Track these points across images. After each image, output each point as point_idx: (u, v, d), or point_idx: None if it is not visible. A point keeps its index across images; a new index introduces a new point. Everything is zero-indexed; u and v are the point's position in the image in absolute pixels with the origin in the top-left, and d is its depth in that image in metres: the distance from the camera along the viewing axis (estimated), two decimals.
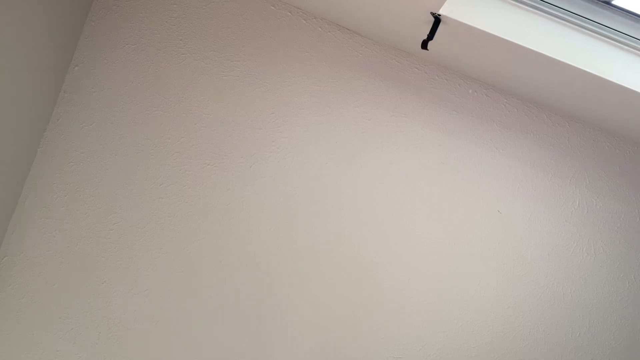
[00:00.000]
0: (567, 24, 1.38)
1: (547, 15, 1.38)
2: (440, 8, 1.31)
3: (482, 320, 1.60)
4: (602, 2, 1.39)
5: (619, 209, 1.66)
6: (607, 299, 1.64)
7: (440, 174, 1.61)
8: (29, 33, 1.33)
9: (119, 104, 1.53)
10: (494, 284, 1.61)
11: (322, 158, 1.58)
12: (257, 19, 1.59)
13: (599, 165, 1.66)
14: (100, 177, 1.52)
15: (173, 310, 1.51)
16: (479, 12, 1.34)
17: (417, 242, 1.60)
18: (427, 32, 1.39)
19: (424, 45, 1.42)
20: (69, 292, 1.49)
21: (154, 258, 1.52)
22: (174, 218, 1.53)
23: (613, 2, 1.39)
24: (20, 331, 1.47)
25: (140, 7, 1.56)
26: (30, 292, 1.48)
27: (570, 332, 1.62)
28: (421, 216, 1.61)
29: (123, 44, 1.55)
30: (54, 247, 1.49)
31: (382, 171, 1.60)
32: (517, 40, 1.35)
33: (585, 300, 1.63)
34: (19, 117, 1.40)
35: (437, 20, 1.35)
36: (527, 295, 1.61)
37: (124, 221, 1.51)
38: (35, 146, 1.50)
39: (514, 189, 1.63)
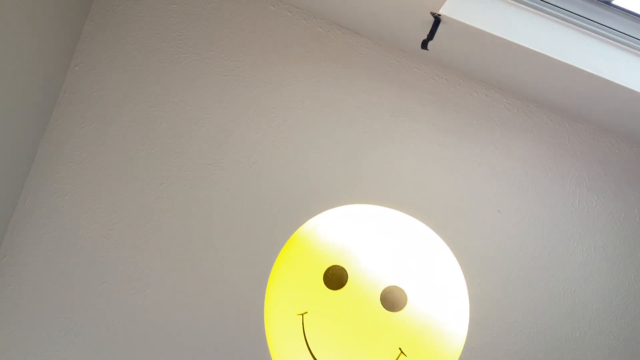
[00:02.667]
0: (567, 24, 1.38)
1: (547, 15, 1.38)
2: (440, 8, 1.31)
3: (482, 320, 1.60)
4: (602, 2, 1.39)
5: (619, 209, 1.66)
6: (607, 299, 1.64)
7: (440, 174, 1.61)
8: (29, 33, 1.33)
9: (119, 104, 1.54)
10: (494, 284, 1.61)
11: (322, 158, 1.58)
12: (257, 19, 1.59)
13: (599, 165, 1.66)
14: (100, 177, 1.52)
15: (173, 310, 1.51)
16: (479, 12, 1.34)
17: None
18: (427, 32, 1.39)
19: (424, 45, 1.42)
20: (69, 292, 1.49)
21: (153, 258, 1.52)
22: (174, 218, 1.53)
23: (613, 2, 1.39)
24: (20, 331, 1.47)
25: (140, 7, 1.56)
26: (30, 292, 1.48)
27: (570, 332, 1.62)
28: (421, 216, 1.60)
29: (123, 44, 1.55)
30: (54, 247, 1.49)
31: (382, 171, 1.60)
32: (517, 40, 1.35)
33: (585, 300, 1.63)
34: (19, 117, 1.40)
35: (437, 20, 1.35)
36: (527, 295, 1.61)
37: (124, 221, 1.51)
38: (35, 146, 1.50)
39: (514, 189, 1.63)
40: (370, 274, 0.74)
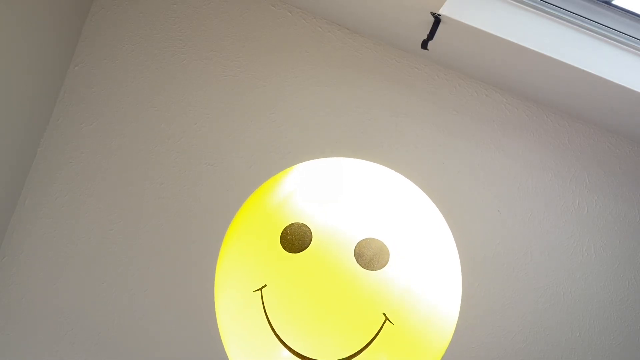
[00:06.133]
0: (567, 24, 1.38)
1: (547, 15, 1.38)
2: (440, 8, 1.31)
3: (482, 320, 1.60)
4: (602, 2, 1.39)
5: (619, 209, 1.66)
6: (607, 299, 1.63)
7: (440, 174, 1.61)
8: (29, 33, 1.33)
9: (119, 103, 1.53)
10: (494, 284, 1.61)
11: (322, 158, 1.58)
12: (257, 19, 1.59)
13: (599, 165, 1.66)
14: (100, 177, 1.52)
15: (173, 311, 1.51)
16: (479, 12, 1.34)
17: None
18: (427, 32, 1.39)
19: (424, 45, 1.42)
20: (69, 292, 1.49)
21: (154, 258, 1.52)
22: (174, 218, 1.53)
23: (613, 2, 1.39)
24: (20, 331, 1.47)
25: (140, 7, 1.56)
26: (30, 292, 1.48)
27: (570, 332, 1.62)
28: None
29: (123, 43, 1.55)
30: (54, 247, 1.49)
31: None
32: (517, 40, 1.35)
33: (585, 300, 1.63)
34: (19, 117, 1.40)
35: (437, 20, 1.35)
36: (527, 295, 1.61)
37: (124, 221, 1.51)
38: (35, 146, 1.50)
39: (514, 189, 1.63)
40: (340, 227, 0.61)
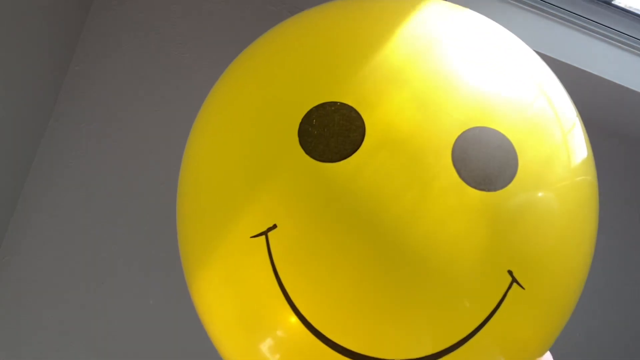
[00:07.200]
0: (567, 24, 1.38)
1: (547, 15, 1.38)
2: None
3: None
4: (602, 2, 1.39)
5: (619, 209, 1.66)
6: (607, 299, 1.63)
7: None
8: (29, 33, 1.33)
9: (119, 103, 1.53)
10: None
11: None
12: (257, 19, 1.59)
13: (599, 165, 1.66)
14: (101, 177, 1.51)
15: (173, 311, 1.51)
16: (479, 12, 1.34)
17: None
18: None
19: None
20: (69, 292, 1.49)
21: (154, 258, 1.51)
22: (174, 218, 1.52)
23: (613, 2, 1.40)
24: (20, 331, 1.47)
25: (140, 7, 1.56)
26: (30, 292, 1.48)
27: (570, 332, 1.62)
28: None
29: (123, 43, 1.55)
30: (54, 247, 1.49)
31: None
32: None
33: (585, 300, 1.62)
34: (19, 117, 1.40)
35: None
36: None
37: (124, 221, 1.51)
38: (35, 146, 1.50)
39: None
40: (419, 107, 0.32)
